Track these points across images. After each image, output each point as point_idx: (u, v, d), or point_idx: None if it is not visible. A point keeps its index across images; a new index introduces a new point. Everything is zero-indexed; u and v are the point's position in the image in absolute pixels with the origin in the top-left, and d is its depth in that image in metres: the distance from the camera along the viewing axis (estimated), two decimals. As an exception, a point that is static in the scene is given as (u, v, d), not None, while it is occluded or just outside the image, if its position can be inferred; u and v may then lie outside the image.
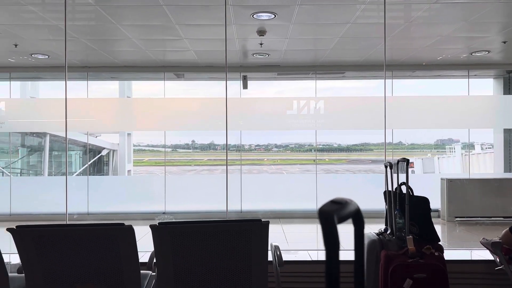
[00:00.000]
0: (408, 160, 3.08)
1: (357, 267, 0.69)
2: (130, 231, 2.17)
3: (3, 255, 2.28)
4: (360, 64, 6.88)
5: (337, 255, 0.57)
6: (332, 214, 0.58)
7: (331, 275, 0.58)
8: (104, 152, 12.74)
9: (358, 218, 0.70)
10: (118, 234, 2.19)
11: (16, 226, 2.16)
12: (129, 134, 12.01)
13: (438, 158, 14.12)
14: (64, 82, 4.38)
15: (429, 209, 3.07)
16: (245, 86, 7.18)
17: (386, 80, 5.35)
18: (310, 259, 3.47)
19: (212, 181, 9.41)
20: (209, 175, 17.41)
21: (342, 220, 0.62)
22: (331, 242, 0.56)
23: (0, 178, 9.73)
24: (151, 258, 2.41)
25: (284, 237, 5.47)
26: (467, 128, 7.69)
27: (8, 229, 2.13)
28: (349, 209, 0.66)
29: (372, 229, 3.28)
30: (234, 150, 8.65)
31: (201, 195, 7.73)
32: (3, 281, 2.23)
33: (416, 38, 5.56)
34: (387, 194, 3.27)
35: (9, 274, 2.26)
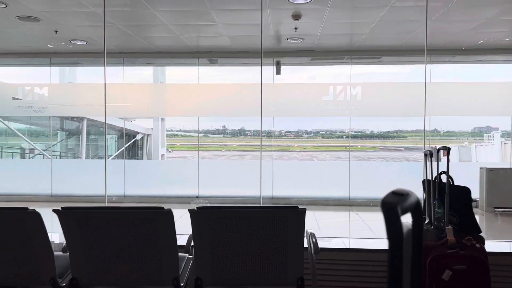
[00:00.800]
0: (449, 148, 2.99)
1: (414, 261, 0.66)
2: (169, 214, 2.20)
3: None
4: (397, 49, 6.68)
5: (401, 247, 0.55)
6: (395, 206, 0.56)
7: (394, 268, 0.56)
8: (138, 137, 13.02)
9: (417, 210, 0.68)
10: (157, 217, 2.23)
11: (61, 208, 2.23)
12: (162, 119, 12.21)
13: (476, 146, 13.67)
14: (103, 67, 4.46)
15: (471, 200, 2.98)
16: (278, 72, 7.12)
17: (425, 66, 5.18)
18: (344, 247, 3.44)
19: (243, 166, 9.45)
20: (240, 161, 17.51)
21: (404, 212, 0.60)
22: (395, 234, 0.54)
23: (41, 161, 10.12)
24: (188, 241, 2.45)
25: (316, 224, 5.45)
26: (509, 116, 7.38)
27: (54, 210, 2.21)
28: (411, 201, 0.63)
29: (408, 218, 3.21)
30: (264, 136, 8.64)
31: (233, 180, 7.78)
32: (49, 259, 2.31)
33: (458, 21, 5.34)
34: (425, 183, 3.19)
35: (54, 253, 2.35)
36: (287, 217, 2.29)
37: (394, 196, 0.58)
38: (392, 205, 0.55)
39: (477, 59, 7.52)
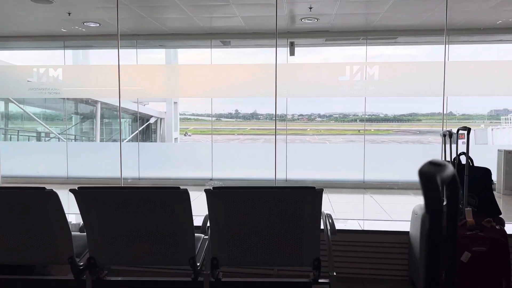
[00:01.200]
0: (469, 129, 2.91)
1: (449, 237, 0.63)
2: (185, 194, 2.19)
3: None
4: (414, 28, 6.52)
5: (441, 218, 0.52)
6: (434, 175, 0.52)
7: (433, 242, 0.52)
8: (152, 120, 13.06)
9: (454, 183, 0.64)
10: (174, 197, 2.22)
11: (78, 187, 2.23)
12: (175, 103, 12.21)
13: (492, 129, 13.42)
14: (117, 49, 4.44)
15: (491, 181, 2.92)
16: (292, 53, 7.02)
17: (445, 45, 5.04)
18: (360, 228, 3.41)
19: (257, 149, 9.44)
20: (253, 144, 17.49)
21: (443, 182, 0.56)
22: (435, 203, 0.51)
23: (56, 143, 10.23)
24: (204, 222, 2.44)
25: (330, 207, 5.42)
26: (529, 97, 7.20)
27: (70, 190, 2.21)
28: (448, 172, 0.59)
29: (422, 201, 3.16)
30: (278, 119, 8.57)
31: (247, 163, 7.78)
32: (67, 239, 2.33)
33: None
34: (444, 164, 3.13)
35: (72, 233, 2.36)
36: (304, 197, 2.26)
37: (432, 166, 0.54)
38: (431, 174, 0.51)
39: (496, 39, 7.31)
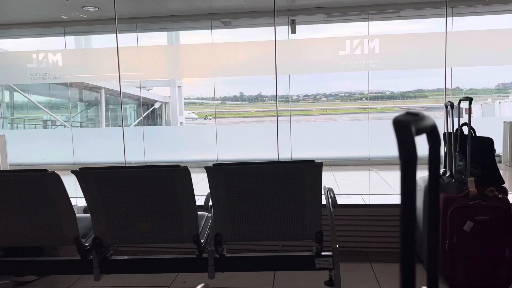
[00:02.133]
0: (471, 98, 2.88)
1: (431, 196, 0.63)
2: (186, 172, 2.21)
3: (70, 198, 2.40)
4: (417, 1, 6.40)
5: (415, 168, 0.52)
6: (409, 124, 0.52)
7: (407, 190, 0.52)
8: (156, 105, 13.08)
9: (434, 134, 0.63)
10: (175, 175, 2.24)
11: (79, 168, 2.26)
12: (179, 87, 12.18)
13: (500, 102, 13.27)
14: (115, 28, 4.41)
15: (493, 150, 2.89)
16: (293, 31, 6.94)
17: (445, 15, 4.94)
18: (364, 203, 3.42)
19: (261, 131, 9.44)
20: (258, 125, 17.47)
21: (419, 132, 0.55)
22: (408, 151, 0.51)
23: (63, 130, 10.30)
24: (207, 200, 2.46)
25: (335, 184, 5.43)
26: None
27: (72, 171, 2.24)
28: (427, 122, 0.59)
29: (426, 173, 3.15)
30: (282, 100, 8.54)
31: (251, 144, 7.79)
32: (72, 220, 2.36)
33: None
34: (446, 136, 3.11)
35: (77, 215, 2.40)
36: (303, 171, 2.26)
37: (408, 116, 0.53)
38: (406, 122, 0.50)
39: (500, 9, 7.16)
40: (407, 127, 0.52)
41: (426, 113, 0.63)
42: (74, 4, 6.13)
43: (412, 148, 0.51)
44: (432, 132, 0.62)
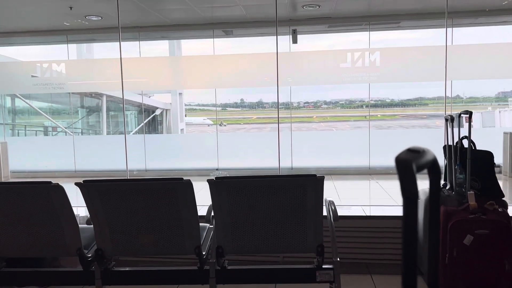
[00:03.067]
0: (471, 112, 2.91)
1: (432, 222, 0.65)
2: (188, 185, 2.23)
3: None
4: (417, 12, 6.46)
5: (416, 206, 0.54)
6: (410, 162, 0.55)
7: (408, 228, 0.55)
8: (157, 112, 13.12)
9: (435, 168, 0.66)
10: (177, 188, 2.26)
11: (83, 181, 2.28)
12: (180, 94, 12.23)
13: (500, 111, 13.30)
14: (119, 40, 4.46)
15: (493, 164, 2.91)
16: (294, 41, 6.99)
17: (446, 28, 4.99)
18: (364, 214, 3.44)
19: (262, 138, 9.47)
20: (259, 133, 17.50)
21: (420, 169, 0.58)
22: (410, 191, 0.53)
23: (64, 137, 10.33)
24: (209, 211, 2.48)
25: (336, 193, 5.45)
26: (536, 78, 7.12)
27: (76, 183, 2.26)
28: (427, 158, 0.62)
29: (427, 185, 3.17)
30: (283, 108, 8.58)
31: (252, 152, 7.81)
32: (75, 231, 2.38)
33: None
34: (447, 149, 3.13)
35: (79, 225, 2.41)
36: (305, 185, 2.28)
37: (409, 153, 0.56)
38: (407, 161, 0.53)
39: (501, 20, 7.21)
40: (408, 166, 0.54)
41: (426, 148, 0.66)
42: (77, 14, 6.18)
43: (414, 187, 0.53)
44: (432, 166, 0.65)
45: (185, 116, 13.62)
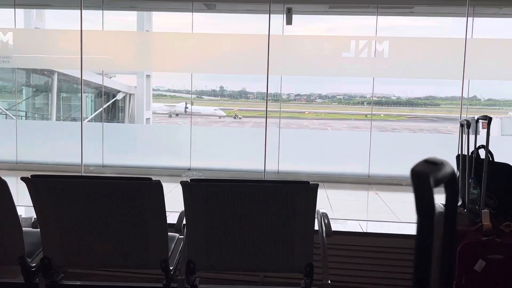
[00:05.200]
0: (490, 118, 2.99)
1: (446, 244, 0.69)
2: (158, 186, 2.24)
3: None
4: (433, -4, 6.56)
5: (432, 225, 0.58)
6: (427, 175, 0.58)
7: (422, 247, 0.58)
8: (119, 96, 12.98)
9: (452, 182, 0.70)
10: (144, 189, 2.27)
11: (31, 176, 2.26)
12: (148, 76, 12.13)
13: (523, 117, 13.58)
14: (80, 8, 4.41)
15: (512, 179, 3.00)
16: (289, 21, 7.00)
17: (467, 17, 5.07)
18: (361, 231, 3.50)
19: (244, 134, 9.49)
20: (240, 128, 17.50)
21: (437, 183, 0.62)
22: (426, 207, 0.57)
23: (3, 121, 10.15)
24: (180, 219, 2.49)
25: (328, 204, 5.51)
26: None
27: (22, 178, 2.24)
28: (445, 171, 0.65)
29: (437, 199, 3.24)
30: (270, 99, 8.62)
31: (232, 151, 7.82)
32: (18, 235, 2.36)
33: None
34: (460, 159, 3.21)
35: (23, 229, 2.40)
36: (296, 193, 2.32)
37: (426, 165, 0.59)
38: (424, 174, 0.56)
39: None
40: (426, 179, 0.58)
41: (444, 160, 0.70)
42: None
43: (431, 204, 0.57)
44: (450, 181, 0.68)
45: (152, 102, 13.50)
